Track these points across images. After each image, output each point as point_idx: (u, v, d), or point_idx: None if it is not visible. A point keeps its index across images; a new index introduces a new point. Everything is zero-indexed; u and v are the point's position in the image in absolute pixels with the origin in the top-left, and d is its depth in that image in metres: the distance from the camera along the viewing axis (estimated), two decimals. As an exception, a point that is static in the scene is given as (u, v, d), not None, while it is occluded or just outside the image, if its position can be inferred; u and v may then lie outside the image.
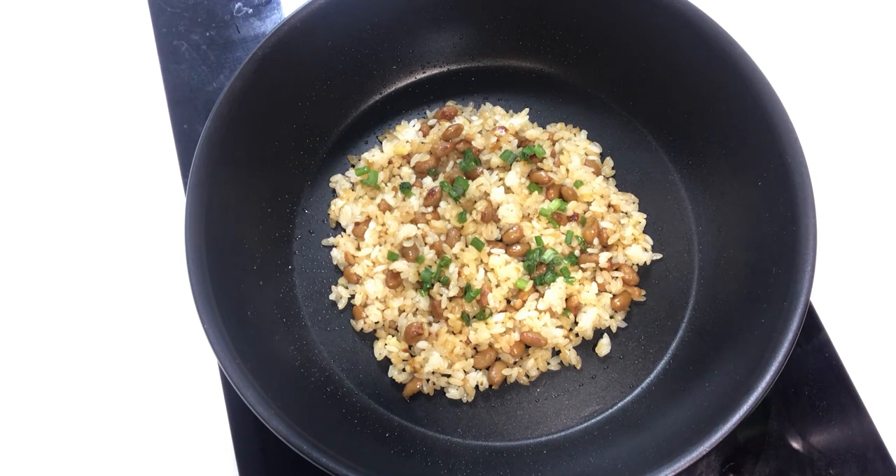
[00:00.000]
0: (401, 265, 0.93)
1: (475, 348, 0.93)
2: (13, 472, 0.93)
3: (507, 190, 0.98)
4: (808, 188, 0.82)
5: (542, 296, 0.93)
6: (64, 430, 0.95)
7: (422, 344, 0.91)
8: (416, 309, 0.94)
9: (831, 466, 0.92)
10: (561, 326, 0.93)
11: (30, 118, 1.14)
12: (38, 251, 1.05)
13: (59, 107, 1.15)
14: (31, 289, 1.03)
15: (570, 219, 0.98)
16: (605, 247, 0.98)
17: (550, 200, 0.98)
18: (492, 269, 0.94)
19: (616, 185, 1.03)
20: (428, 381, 0.91)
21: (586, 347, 0.95)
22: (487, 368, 0.92)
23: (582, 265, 0.96)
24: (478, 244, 0.94)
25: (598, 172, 1.02)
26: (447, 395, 0.91)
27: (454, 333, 0.92)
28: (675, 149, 1.02)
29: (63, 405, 0.97)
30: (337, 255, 0.98)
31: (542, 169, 0.99)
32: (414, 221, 0.97)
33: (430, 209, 0.97)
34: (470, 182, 0.97)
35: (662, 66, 0.98)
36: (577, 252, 0.96)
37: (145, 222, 1.06)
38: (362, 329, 0.95)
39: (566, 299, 0.94)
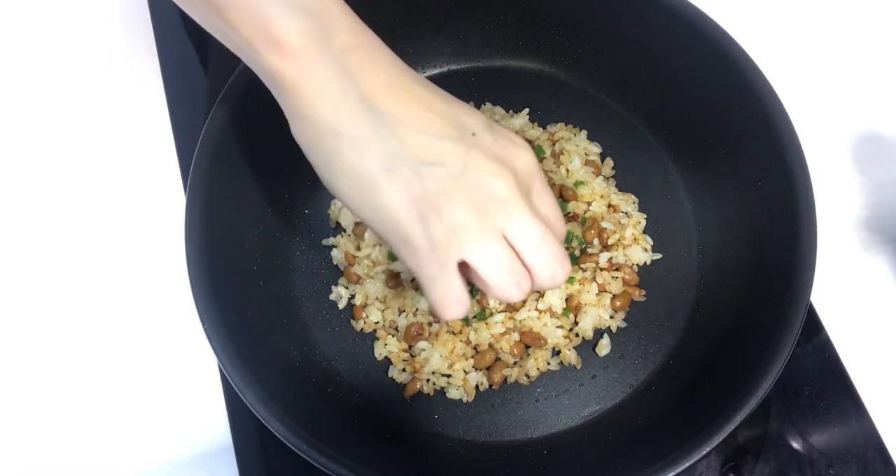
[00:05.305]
0: (401, 265, 0.93)
1: (475, 348, 0.93)
2: (13, 472, 0.93)
3: (507, 190, 0.98)
4: (808, 188, 0.81)
5: (542, 296, 0.93)
6: (63, 431, 0.95)
7: (422, 344, 0.91)
8: (416, 309, 0.94)
9: (831, 466, 0.92)
10: (561, 326, 0.93)
11: (28, 118, 1.14)
12: (36, 251, 1.05)
13: (58, 107, 1.15)
14: (30, 289, 1.03)
15: (570, 219, 0.98)
16: (605, 247, 0.97)
17: (550, 200, 0.98)
18: (492, 269, 0.93)
19: (616, 185, 1.03)
20: (428, 381, 0.91)
21: (586, 347, 0.95)
22: (487, 368, 0.92)
23: (582, 265, 0.96)
24: (478, 244, 0.93)
25: (598, 172, 1.02)
26: (447, 395, 0.91)
27: (454, 333, 0.92)
28: (675, 149, 1.02)
29: (63, 406, 0.97)
30: (337, 255, 0.98)
31: (541, 169, 0.99)
32: (414, 221, 0.96)
33: (430, 209, 0.97)
34: (470, 182, 0.97)
35: (662, 66, 0.98)
36: (577, 252, 0.96)
37: (145, 223, 1.06)
38: (362, 329, 0.95)
39: (566, 299, 0.94)
